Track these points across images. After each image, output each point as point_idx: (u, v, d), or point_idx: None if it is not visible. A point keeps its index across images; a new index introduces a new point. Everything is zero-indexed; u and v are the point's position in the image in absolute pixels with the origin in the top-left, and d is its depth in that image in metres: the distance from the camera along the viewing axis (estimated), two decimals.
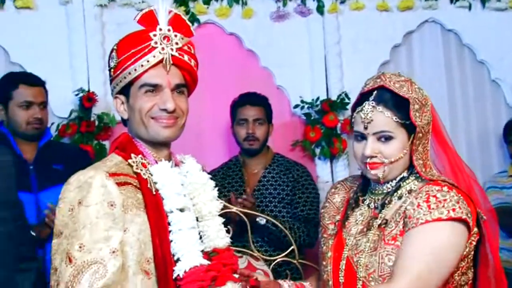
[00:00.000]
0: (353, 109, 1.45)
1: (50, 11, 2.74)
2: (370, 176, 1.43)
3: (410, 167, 1.43)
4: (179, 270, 1.26)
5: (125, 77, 1.31)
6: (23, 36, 2.68)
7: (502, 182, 2.87)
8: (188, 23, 1.37)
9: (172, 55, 1.30)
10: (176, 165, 1.39)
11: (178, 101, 1.32)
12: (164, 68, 1.30)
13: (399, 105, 1.38)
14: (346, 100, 2.93)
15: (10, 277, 1.55)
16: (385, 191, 1.44)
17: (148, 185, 1.29)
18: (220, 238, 1.38)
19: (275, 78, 3.00)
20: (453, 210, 1.30)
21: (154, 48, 1.29)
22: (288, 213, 2.56)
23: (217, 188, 1.44)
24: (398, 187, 1.42)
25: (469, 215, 1.33)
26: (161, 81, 1.30)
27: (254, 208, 2.43)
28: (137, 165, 1.31)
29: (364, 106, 1.40)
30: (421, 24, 3.15)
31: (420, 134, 1.40)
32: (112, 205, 1.22)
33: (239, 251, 2.23)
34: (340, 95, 2.97)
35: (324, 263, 1.46)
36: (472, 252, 1.38)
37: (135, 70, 1.30)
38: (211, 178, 1.44)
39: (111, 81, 1.37)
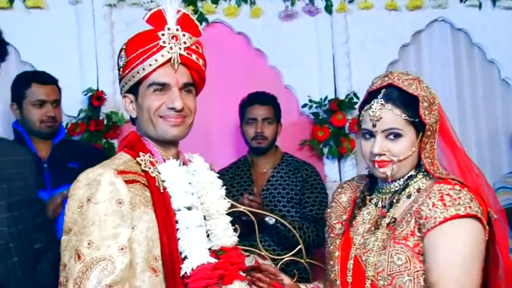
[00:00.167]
0: (361, 107, 1.45)
1: (60, 11, 2.77)
2: (378, 175, 1.42)
3: (418, 166, 1.43)
4: (187, 268, 1.27)
5: (133, 76, 1.32)
6: (33, 35, 2.70)
7: None
8: (197, 22, 1.38)
9: (180, 54, 1.31)
10: (184, 163, 1.40)
11: (186, 100, 1.33)
12: (172, 67, 1.31)
13: (407, 103, 1.38)
14: (355, 100, 2.93)
15: (28, 276, 1.56)
16: (392, 190, 1.44)
17: (156, 183, 1.30)
18: (228, 236, 1.39)
19: (283, 77, 3.00)
20: (469, 207, 1.31)
21: (162, 47, 1.30)
22: (297, 213, 2.55)
23: (225, 187, 1.44)
24: (406, 186, 1.42)
25: (481, 213, 1.33)
26: (169, 80, 1.31)
27: (261, 208, 2.43)
28: (145, 163, 1.32)
29: (372, 104, 1.39)
30: (430, 23, 3.13)
31: (429, 132, 1.40)
32: (120, 203, 1.23)
33: (246, 250, 2.23)
34: (349, 94, 2.96)
35: (332, 262, 1.46)
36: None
37: (144, 69, 1.31)
38: (220, 177, 1.45)
39: (120, 80, 1.38)
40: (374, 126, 1.39)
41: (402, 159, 1.39)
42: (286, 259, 2.35)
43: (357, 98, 2.91)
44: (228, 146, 2.97)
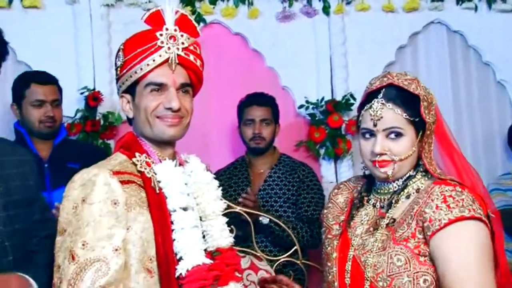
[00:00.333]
0: (360, 108, 1.45)
1: (57, 11, 2.76)
2: (378, 175, 1.41)
3: (416, 166, 1.43)
4: (182, 269, 1.27)
5: (131, 76, 1.33)
6: (30, 35, 2.70)
7: (507, 184, 2.85)
8: (194, 23, 1.38)
9: (178, 55, 1.31)
10: (181, 164, 1.40)
11: (183, 101, 1.33)
12: (169, 68, 1.31)
13: (408, 102, 1.38)
14: (351, 101, 2.93)
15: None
16: (391, 190, 1.43)
17: (152, 184, 1.30)
18: (224, 237, 1.39)
19: (280, 78, 3.00)
20: (473, 209, 1.31)
21: (160, 47, 1.30)
22: (293, 213, 2.56)
23: (221, 188, 1.45)
24: (405, 186, 1.42)
25: (484, 215, 1.33)
26: (166, 80, 1.32)
27: (257, 207, 2.43)
28: (141, 164, 1.32)
29: (373, 104, 1.39)
30: (426, 25, 3.14)
31: (428, 132, 1.40)
32: (115, 203, 1.23)
33: (242, 251, 2.23)
34: (345, 95, 2.97)
35: (329, 264, 1.45)
36: None
37: (141, 69, 1.31)
38: (217, 178, 1.45)
39: (117, 80, 1.38)
40: (375, 125, 1.38)
41: (403, 158, 1.38)
42: (282, 260, 2.35)
43: (354, 99, 2.92)
44: (226, 147, 2.97)
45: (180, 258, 1.28)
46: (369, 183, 1.51)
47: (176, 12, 1.34)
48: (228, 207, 1.83)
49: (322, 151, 2.97)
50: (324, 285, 1.50)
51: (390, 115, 1.37)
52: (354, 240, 1.42)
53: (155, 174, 1.32)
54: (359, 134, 1.45)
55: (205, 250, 1.33)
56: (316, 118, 2.96)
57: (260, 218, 2.39)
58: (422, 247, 1.33)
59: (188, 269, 1.27)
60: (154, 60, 1.30)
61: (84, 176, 1.26)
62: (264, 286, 1.48)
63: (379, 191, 1.46)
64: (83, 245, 1.19)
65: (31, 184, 1.67)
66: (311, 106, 2.96)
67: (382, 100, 1.38)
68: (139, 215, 1.26)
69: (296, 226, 2.46)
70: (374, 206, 1.46)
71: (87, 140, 2.68)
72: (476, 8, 3.15)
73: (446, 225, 1.30)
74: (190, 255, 1.28)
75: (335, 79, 3.01)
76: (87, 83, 2.73)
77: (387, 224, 1.39)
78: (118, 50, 1.37)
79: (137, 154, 1.33)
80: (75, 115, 2.71)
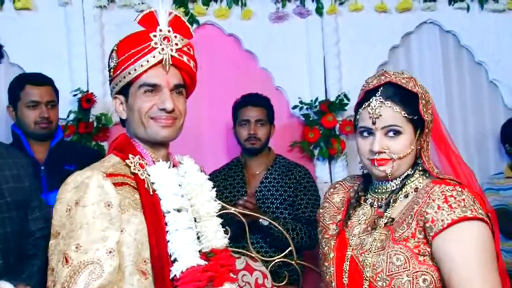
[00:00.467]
0: (357, 107, 1.44)
1: (50, 12, 2.75)
2: (377, 173, 1.40)
3: (414, 165, 1.42)
4: (176, 270, 1.26)
5: (124, 77, 1.32)
6: (22, 37, 2.68)
7: (499, 184, 2.87)
8: (188, 25, 1.38)
9: (171, 56, 1.31)
10: (174, 165, 1.40)
11: (177, 102, 1.33)
12: (163, 69, 1.31)
13: (406, 100, 1.38)
14: (345, 101, 2.94)
15: (14, 278, 1.56)
16: (389, 190, 1.43)
17: (146, 186, 1.30)
18: (218, 238, 1.39)
19: (274, 79, 3.00)
20: (475, 210, 1.31)
21: (154, 48, 1.30)
22: (290, 214, 2.56)
23: (217, 189, 1.44)
24: (403, 185, 1.41)
25: (485, 214, 1.33)
26: (160, 81, 1.31)
27: (256, 209, 2.43)
28: (134, 166, 1.31)
29: (371, 102, 1.39)
30: (419, 25, 3.16)
31: (427, 130, 1.40)
32: (109, 206, 1.23)
33: (237, 252, 2.23)
34: (339, 96, 2.97)
35: (327, 264, 1.44)
36: None
37: (135, 70, 1.31)
38: (213, 179, 1.45)
39: (110, 81, 1.38)
40: (373, 123, 1.38)
41: (402, 156, 1.38)
42: (276, 260, 2.36)
43: (348, 99, 2.93)
44: (219, 148, 2.97)
45: (175, 260, 1.28)
46: (366, 182, 1.50)
47: (170, 13, 1.34)
48: (223, 208, 1.83)
49: (316, 152, 2.97)
50: (321, 285, 1.49)
51: (389, 113, 1.37)
52: (351, 239, 1.42)
53: (149, 175, 1.32)
54: (357, 133, 1.44)
55: (200, 251, 1.33)
56: (310, 119, 2.96)
57: (260, 220, 2.39)
58: (422, 247, 1.32)
59: (183, 271, 1.26)
60: (148, 61, 1.30)
61: (78, 179, 1.25)
62: None
63: (376, 190, 1.46)
64: (76, 247, 1.19)
65: (26, 186, 1.67)
66: (305, 107, 2.96)
67: (380, 98, 1.38)
68: (133, 217, 1.26)
69: (295, 228, 2.46)
70: (371, 205, 1.45)
71: (80, 142, 2.67)
72: (468, 8, 3.16)
73: (449, 225, 1.29)
74: (185, 256, 1.28)
75: (329, 79, 3.02)
76: (80, 84, 2.72)
77: (385, 224, 1.38)
78: (112, 51, 1.36)
79: (130, 156, 1.32)
80: (68, 116, 2.70)
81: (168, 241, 1.28)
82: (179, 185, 1.34)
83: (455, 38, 3.20)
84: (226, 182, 2.62)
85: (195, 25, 2.86)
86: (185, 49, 1.35)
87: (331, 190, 1.58)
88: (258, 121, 2.60)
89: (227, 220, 2.00)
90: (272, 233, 2.43)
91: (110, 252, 1.20)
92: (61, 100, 2.57)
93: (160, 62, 1.31)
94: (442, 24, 3.17)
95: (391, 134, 1.38)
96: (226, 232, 1.44)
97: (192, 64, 1.37)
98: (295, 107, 2.97)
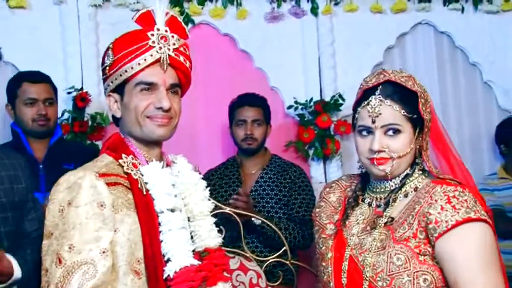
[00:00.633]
0: (356, 105, 1.43)
1: (44, 11, 2.74)
2: (376, 172, 1.39)
3: (413, 164, 1.42)
4: (170, 270, 1.26)
5: (120, 75, 1.32)
6: (16, 35, 2.67)
7: (493, 184, 2.88)
8: (184, 25, 1.39)
9: (168, 55, 1.31)
10: (168, 165, 1.40)
11: (172, 101, 1.33)
12: (160, 68, 1.31)
13: (405, 99, 1.37)
14: (340, 101, 2.95)
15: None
16: (387, 189, 1.42)
17: (139, 186, 1.30)
18: (212, 238, 1.39)
19: (269, 79, 3.01)
20: (478, 211, 1.31)
21: (151, 47, 1.30)
22: (284, 214, 2.55)
23: (212, 188, 1.44)
24: (403, 184, 1.40)
25: (487, 215, 1.33)
26: (157, 80, 1.31)
27: (251, 207, 2.43)
28: (127, 165, 1.31)
29: (370, 101, 1.37)
30: (414, 26, 3.17)
31: (426, 129, 1.40)
32: (102, 206, 1.23)
33: (231, 252, 2.23)
34: (334, 96, 2.98)
35: (324, 264, 1.42)
36: None
37: (132, 68, 1.31)
38: (208, 178, 1.45)
39: (105, 79, 1.37)
40: (373, 122, 1.36)
41: (401, 155, 1.37)
42: (271, 260, 2.35)
43: (343, 99, 2.93)
44: (215, 148, 2.97)
45: (168, 260, 1.28)
46: (364, 181, 1.49)
47: (167, 13, 1.35)
48: (216, 207, 1.83)
49: (311, 152, 2.97)
50: (318, 285, 1.48)
51: (389, 111, 1.36)
52: (350, 239, 1.41)
53: (142, 175, 1.31)
54: (356, 132, 1.42)
55: (193, 250, 1.33)
56: (305, 119, 2.97)
57: (253, 219, 2.39)
58: (422, 247, 1.32)
59: (176, 271, 1.26)
60: (145, 60, 1.30)
61: (70, 179, 1.25)
62: None
63: (374, 189, 1.45)
64: (69, 248, 1.19)
65: (23, 187, 1.66)
66: (300, 107, 2.97)
67: (380, 97, 1.37)
68: (126, 217, 1.26)
69: (288, 227, 2.46)
70: (369, 205, 1.44)
71: (75, 141, 2.66)
72: (462, 9, 3.18)
73: (453, 226, 1.28)
74: (178, 256, 1.27)
75: (324, 79, 3.02)
76: (75, 83, 2.71)
77: (385, 223, 1.37)
78: (107, 49, 1.36)
79: (123, 155, 1.32)
80: (62, 115, 2.69)
81: (162, 241, 1.28)
82: (173, 184, 1.34)
83: (449, 39, 3.22)
84: (221, 181, 2.62)
85: (190, 25, 2.86)
86: (181, 49, 1.35)
87: (327, 189, 1.56)
88: (255, 121, 2.60)
89: (223, 221, 2.01)
90: (265, 232, 2.43)
91: (104, 252, 1.20)
92: None
93: (157, 61, 1.31)
94: (437, 25, 3.18)
95: (390, 133, 1.37)
96: (220, 231, 1.44)
97: (187, 64, 1.37)
98: (290, 107, 2.97)
